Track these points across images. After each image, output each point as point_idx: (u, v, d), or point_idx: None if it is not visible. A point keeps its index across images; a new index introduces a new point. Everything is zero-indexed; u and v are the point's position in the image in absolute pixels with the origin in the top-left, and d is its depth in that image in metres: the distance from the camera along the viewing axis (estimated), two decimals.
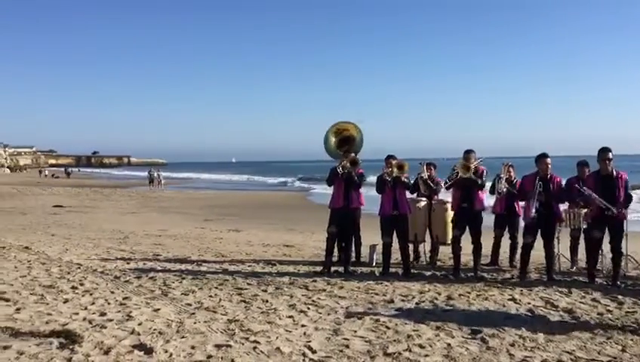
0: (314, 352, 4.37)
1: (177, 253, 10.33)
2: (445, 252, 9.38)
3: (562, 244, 8.41)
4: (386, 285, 7.08)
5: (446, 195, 9.00)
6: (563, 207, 8.18)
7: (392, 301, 6.17)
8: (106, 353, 4.26)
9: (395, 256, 8.44)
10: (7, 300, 5.85)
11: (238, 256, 9.91)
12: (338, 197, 8.31)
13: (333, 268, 8.23)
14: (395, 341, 4.68)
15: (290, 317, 5.42)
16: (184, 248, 11.18)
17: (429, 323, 5.22)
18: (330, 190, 8.58)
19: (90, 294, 6.29)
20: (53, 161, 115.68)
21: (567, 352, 4.46)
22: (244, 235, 14.12)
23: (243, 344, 4.54)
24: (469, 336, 4.86)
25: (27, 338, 4.60)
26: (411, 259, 8.64)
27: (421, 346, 4.56)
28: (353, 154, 8.38)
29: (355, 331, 4.96)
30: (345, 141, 8.90)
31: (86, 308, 5.61)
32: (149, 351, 4.31)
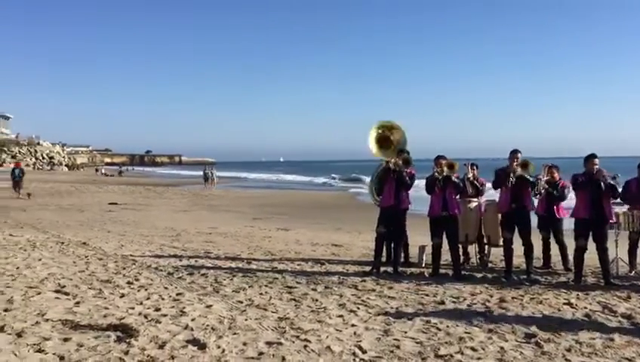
0: (364, 352, 4.36)
1: (228, 250, 10.49)
2: (496, 253, 9.21)
3: (620, 248, 8.13)
4: (437, 286, 7.01)
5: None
6: (620, 208, 7.92)
7: (442, 302, 6.11)
8: (161, 347, 4.37)
9: (445, 257, 8.34)
10: (67, 294, 6.06)
11: (287, 255, 9.99)
12: (389, 196, 8.26)
13: (382, 269, 8.20)
14: (446, 343, 4.62)
15: (340, 316, 5.43)
16: (234, 246, 11.34)
17: (482, 326, 5.14)
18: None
19: (145, 289, 6.45)
20: (108, 160, 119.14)
21: (627, 359, 4.33)
22: (292, 234, 14.22)
23: (293, 342, 4.57)
24: (523, 340, 4.75)
25: (86, 331, 4.76)
26: (462, 260, 8.52)
27: (473, 349, 4.50)
28: (407, 154, 8.33)
29: (406, 332, 4.93)
30: (389, 141, 8.87)
31: (141, 303, 5.77)
32: (202, 346, 4.40)
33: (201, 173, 42.13)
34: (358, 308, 5.75)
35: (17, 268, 7.51)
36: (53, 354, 4.17)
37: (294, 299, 6.15)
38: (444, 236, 8.01)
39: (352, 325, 5.11)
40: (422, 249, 8.96)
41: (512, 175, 7.75)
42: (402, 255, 8.79)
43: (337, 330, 4.94)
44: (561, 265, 8.62)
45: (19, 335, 4.55)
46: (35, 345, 4.34)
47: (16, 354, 4.14)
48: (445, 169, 7.91)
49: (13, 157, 70.91)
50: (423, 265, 8.75)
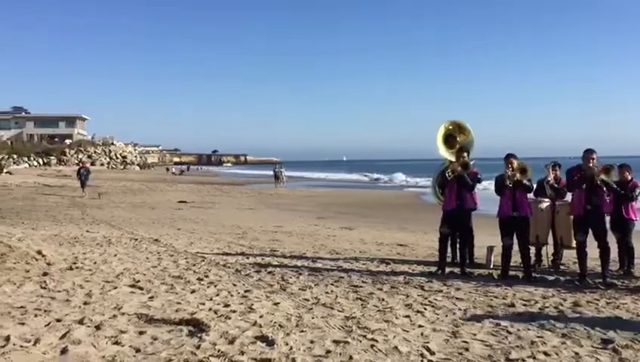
0: (432, 354, 4.31)
1: (293, 249, 10.61)
2: (568, 256, 8.90)
3: None
4: (506, 288, 6.84)
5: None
6: None
7: (512, 305, 5.95)
8: (231, 342, 4.46)
9: (514, 258, 8.12)
10: (142, 288, 6.30)
11: (352, 254, 10.00)
12: (450, 199, 8.14)
13: (448, 269, 8.08)
14: (517, 347, 4.50)
15: (406, 316, 5.39)
16: (299, 245, 11.45)
17: (555, 330, 4.97)
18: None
19: (215, 286, 6.61)
20: (177, 159, 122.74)
21: None
22: (356, 233, 14.22)
23: (360, 341, 4.57)
24: (599, 346, 4.57)
25: (160, 325, 4.93)
26: (533, 262, 8.27)
27: (546, 354, 4.36)
28: (464, 157, 8.17)
29: (475, 334, 4.83)
30: (454, 141, 8.74)
31: (211, 299, 5.91)
32: (270, 342, 4.46)
33: (270, 172, 42.70)
34: (425, 309, 5.69)
35: (95, 263, 7.86)
36: (130, 346, 4.34)
37: (360, 298, 6.15)
38: (515, 237, 7.79)
39: (420, 326, 5.06)
40: (490, 250, 8.77)
41: (596, 178, 7.40)
42: (468, 256, 8.64)
43: (404, 331, 4.90)
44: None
45: (97, 327, 4.75)
46: (112, 337, 4.53)
47: (95, 346, 4.33)
48: (518, 174, 7.68)
49: (89, 156, 74.11)
50: (491, 266, 8.56)
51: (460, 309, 5.72)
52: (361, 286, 6.82)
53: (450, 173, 8.06)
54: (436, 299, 6.16)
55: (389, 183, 51.49)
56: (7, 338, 4.35)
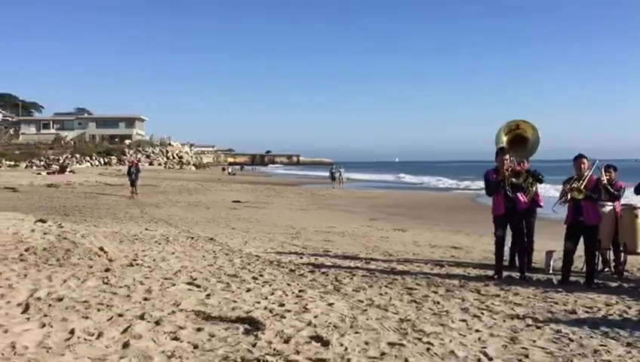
0: (490, 359, 4.22)
1: (346, 249, 10.61)
2: (633, 262, 8.56)
3: None
4: (567, 294, 6.62)
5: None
6: None
7: (574, 312, 5.76)
8: (286, 342, 4.50)
9: (575, 263, 7.87)
10: (199, 286, 6.42)
11: (405, 256, 9.92)
12: (500, 204, 7.92)
13: (505, 273, 7.90)
14: (580, 355, 4.36)
15: (463, 320, 5.30)
16: (352, 245, 11.44)
17: (619, 339, 4.79)
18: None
19: (269, 285, 6.68)
20: (231, 160, 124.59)
21: None
22: (410, 235, 14.10)
23: (416, 344, 4.52)
24: None
25: (217, 322, 5.02)
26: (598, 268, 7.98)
27: None
28: (507, 159, 7.91)
29: (534, 341, 4.70)
30: (517, 141, 8.52)
31: (266, 298, 5.98)
32: (325, 343, 4.47)
33: (326, 173, 42.45)
34: (482, 313, 5.58)
35: (154, 260, 8.07)
36: (188, 342, 4.43)
37: (415, 301, 6.09)
38: (579, 242, 7.53)
39: (477, 330, 4.97)
40: (549, 254, 8.52)
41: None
42: (527, 260, 8.42)
43: (461, 335, 4.82)
44: None
45: (157, 323, 4.88)
46: (171, 333, 4.64)
47: (155, 341, 4.44)
48: (580, 195, 7.40)
49: (148, 156, 76.29)
50: (550, 271, 8.32)
51: (518, 314, 5.58)
52: (415, 289, 6.75)
53: (508, 188, 7.83)
54: (493, 304, 6.04)
55: (442, 185, 50.79)
56: (72, 331, 4.52)
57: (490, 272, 8.03)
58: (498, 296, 6.49)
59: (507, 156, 7.94)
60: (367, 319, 5.23)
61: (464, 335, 4.81)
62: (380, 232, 14.60)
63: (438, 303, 6.01)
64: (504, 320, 5.35)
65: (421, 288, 6.83)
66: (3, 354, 3.99)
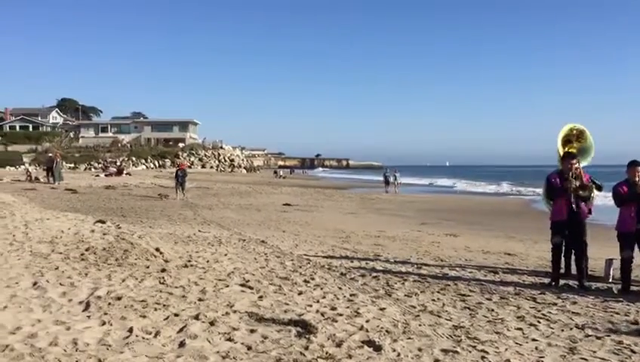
0: None
1: (397, 254, 10.54)
2: None
3: None
4: (628, 304, 6.38)
5: None
6: None
7: (636, 322, 5.54)
8: (339, 345, 4.50)
9: (636, 272, 7.58)
10: (251, 288, 6.51)
11: (457, 262, 9.78)
12: (559, 210, 7.71)
13: (562, 281, 7.69)
14: None
15: (519, 329, 5.18)
16: (403, 250, 11.36)
17: None
18: None
19: (321, 288, 6.70)
20: (281, 163, 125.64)
21: None
22: (461, 240, 13.89)
23: (470, 352, 4.45)
24: None
25: (269, 324, 5.06)
26: None
27: None
28: (574, 167, 7.69)
29: (594, 351, 4.55)
30: (572, 146, 8.30)
31: (318, 301, 6.00)
32: (377, 348, 4.45)
33: (375, 177, 41.77)
34: (539, 322, 5.44)
35: (207, 261, 8.22)
36: (242, 343, 4.50)
37: (468, 308, 5.99)
38: (637, 250, 7.26)
39: (533, 339, 4.84)
40: (609, 263, 8.23)
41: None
42: (585, 268, 8.15)
43: (517, 344, 4.72)
44: None
45: (211, 323, 4.97)
46: (225, 333, 4.72)
47: (209, 341, 4.53)
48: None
49: (200, 159, 77.83)
50: (610, 280, 8.03)
51: (577, 324, 5.41)
52: (468, 295, 6.64)
53: (572, 199, 7.62)
54: (550, 313, 5.88)
55: (494, 189, 49.77)
56: (131, 330, 4.66)
57: (546, 280, 7.84)
58: (555, 304, 6.31)
59: (574, 161, 7.74)
60: (419, 325, 5.18)
61: (520, 344, 4.70)
62: (431, 237, 14.44)
63: (493, 310, 5.90)
64: (562, 330, 5.20)
65: (475, 295, 6.72)
66: (65, 351, 4.15)
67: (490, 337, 4.86)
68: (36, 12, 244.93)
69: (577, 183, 7.59)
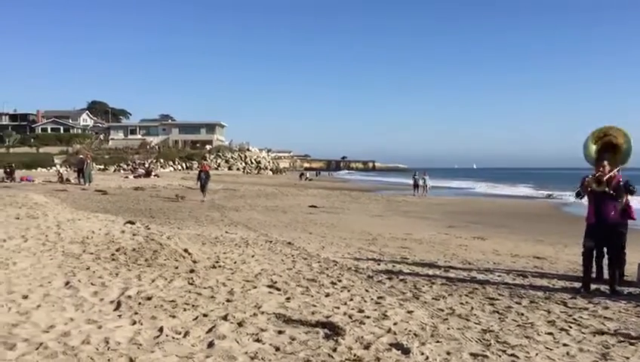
0: None
1: (424, 257, 10.47)
2: None
3: None
4: None
5: None
6: None
7: None
8: (366, 348, 4.50)
9: None
10: (279, 289, 6.54)
11: (485, 265, 9.68)
12: (591, 212, 7.59)
13: (593, 286, 7.55)
14: None
15: (549, 333, 5.11)
16: (430, 253, 11.29)
17: None
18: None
19: (348, 291, 6.70)
20: (307, 165, 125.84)
21: None
22: (489, 244, 13.74)
23: (500, 356, 4.41)
24: None
25: (297, 326, 5.08)
26: None
27: None
28: (604, 166, 7.54)
29: (628, 358, 4.47)
30: (608, 148, 8.11)
31: (345, 304, 6.00)
32: (406, 351, 4.43)
33: (401, 179, 41.27)
34: (570, 327, 5.36)
35: (235, 262, 8.28)
36: (270, 344, 4.52)
37: (497, 312, 5.93)
38: None
39: (564, 344, 4.78)
40: None
41: None
42: (617, 272, 8.00)
43: (547, 348, 4.65)
44: None
45: (240, 324, 5.01)
46: (253, 334, 4.75)
47: (238, 342, 4.56)
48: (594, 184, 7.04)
49: (227, 161, 78.41)
50: None
51: (609, 329, 5.32)
52: (497, 299, 6.57)
53: (581, 192, 7.53)
54: (582, 317, 5.78)
55: (522, 192, 49.11)
56: (161, 329, 4.72)
57: (577, 284, 7.71)
58: (586, 309, 6.21)
59: (604, 163, 7.62)
60: (448, 328, 5.15)
61: (551, 349, 4.64)
62: (459, 240, 14.31)
63: (522, 315, 5.83)
64: (594, 335, 5.11)
65: (503, 298, 6.65)
66: (98, 349, 4.23)
67: (520, 341, 4.81)
68: (69, 15, 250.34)
69: (594, 182, 7.48)
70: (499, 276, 8.44)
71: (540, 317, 5.77)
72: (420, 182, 37.77)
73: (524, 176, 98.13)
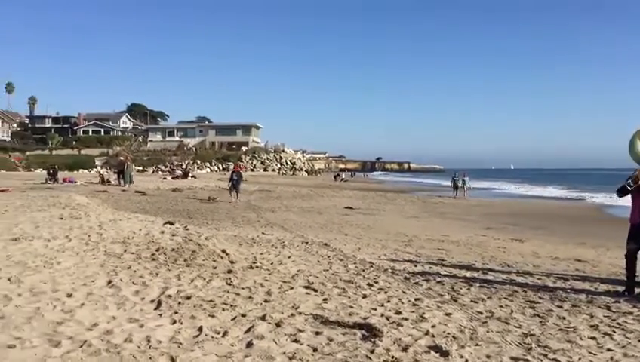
0: None
1: (461, 259, 10.36)
2: None
3: None
4: None
5: None
6: None
7: None
8: (404, 350, 4.47)
9: None
10: (316, 290, 6.55)
11: (524, 268, 9.51)
12: (633, 212, 7.38)
13: (637, 290, 7.34)
14: None
15: (592, 338, 5.00)
16: (467, 255, 11.16)
17: None
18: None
19: (385, 292, 6.68)
20: (342, 166, 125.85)
21: None
22: (528, 246, 13.50)
23: (541, 360, 4.34)
24: None
25: (334, 327, 5.09)
26: None
27: None
28: None
29: None
30: None
31: (382, 305, 5.98)
32: (444, 353, 4.40)
33: (436, 180, 40.75)
34: (614, 332, 5.23)
35: (272, 263, 8.34)
36: (308, 345, 4.54)
37: (538, 315, 5.83)
38: None
39: (608, 349, 4.66)
40: None
41: None
42: None
43: (591, 353, 4.55)
44: None
45: (277, 324, 5.04)
46: (291, 335, 4.77)
47: (276, 342, 4.59)
48: None
49: (262, 163, 79.01)
50: None
51: None
52: (538, 302, 6.46)
53: (631, 184, 7.33)
54: (626, 322, 5.64)
55: (561, 194, 48.11)
56: (200, 329, 4.79)
57: (620, 288, 7.51)
58: (631, 313, 6.05)
59: None
60: (487, 331, 5.08)
61: (594, 354, 4.54)
62: (497, 242, 14.10)
63: (564, 318, 5.71)
64: (639, 340, 4.98)
65: (544, 302, 6.53)
66: (139, 347, 4.31)
67: (562, 346, 4.71)
68: (110, 20, 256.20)
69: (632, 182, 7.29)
70: (539, 279, 8.29)
71: (582, 321, 5.64)
72: (460, 184, 36.94)
73: (563, 177, 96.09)
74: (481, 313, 5.84)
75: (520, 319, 5.64)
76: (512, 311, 5.96)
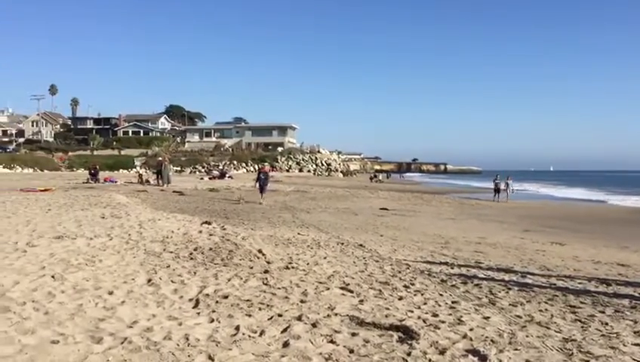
0: None
1: (499, 261, 10.20)
2: None
3: None
4: None
5: None
6: None
7: None
8: (442, 353, 4.43)
9: None
10: (352, 291, 6.55)
11: (564, 272, 9.31)
12: None
13: None
14: None
15: (636, 344, 4.85)
16: (505, 258, 10.99)
17: None
18: None
19: (421, 294, 6.62)
20: (377, 167, 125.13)
21: None
22: (569, 249, 13.22)
23: None
24: None
25: (370, 329, 5.08)
26: None
27: None
28: None
29: None
30: None
31: (419, 307, 5.93)
32: (483, 357, 4.33)
33: (474, 183, 40.08)
34: None
35: (307, 264, 8.37)
36: (344, 346, 4.54)
37: (579, 320, 5.69)
38: None
39: None
40: None
41: None
42: None
43: (634, 360, 4.42)
44: None
45: (314, 325, 5.05)
46: (327, 335, 4.78)
47: (312, 343, 4.61)
48: None
49: (298, 163, 79.31)
50: None
51: None
52: (579, 307, 6.31)
53: None
54: None
55: (602, 197, 46.88)
56: (237, 328, 4.84)
57: None
58: None
59: None
60: (527, 336, 4.99)
61: (638, 361, 4.41)
62: (535, 245, 13.85)
63: (607, 324, 5.57)
64: None
65: (586, 306, 6.37)
66: (178, 345, 4.38)
67: (604, 352, 4.60)
68: (153, 23, 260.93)
69: None
70: (580, 283, 8.10)
71: (625, 327, 5.49)
72: (502, 186, 35.61)
73: (604, 179, 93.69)
74: (520, 317, 5.73)
75: (560, 324, 5.52)
76: (552, 316, 5.83)
